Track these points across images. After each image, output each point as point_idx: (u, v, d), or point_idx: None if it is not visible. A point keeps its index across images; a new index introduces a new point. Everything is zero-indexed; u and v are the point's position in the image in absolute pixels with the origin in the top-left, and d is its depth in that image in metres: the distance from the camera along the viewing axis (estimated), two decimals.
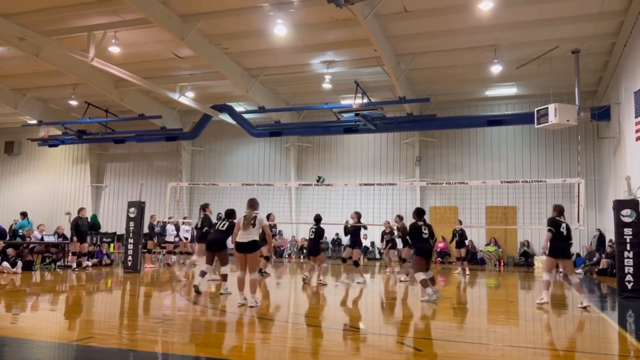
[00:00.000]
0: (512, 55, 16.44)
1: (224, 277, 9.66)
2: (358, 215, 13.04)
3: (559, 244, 9.08)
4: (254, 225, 8.07)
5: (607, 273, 15.49)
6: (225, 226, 9.59)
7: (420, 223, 9.56)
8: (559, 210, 9.42)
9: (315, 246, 11.88)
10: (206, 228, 11.76)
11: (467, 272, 15.65)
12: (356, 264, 12.81)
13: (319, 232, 11.89)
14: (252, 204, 8.34)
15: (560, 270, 17.19)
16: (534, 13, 13.83)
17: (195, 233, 15.42)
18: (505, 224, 20.19)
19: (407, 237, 10.87)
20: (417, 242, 9.51)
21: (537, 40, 15.29)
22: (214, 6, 14.08)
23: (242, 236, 8.06)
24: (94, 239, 20.30)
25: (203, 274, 9.73)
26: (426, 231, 9.48)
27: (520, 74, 17.63)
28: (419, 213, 9.74)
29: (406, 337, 6.56)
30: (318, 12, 14.04)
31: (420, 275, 9.31)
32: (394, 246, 16.00)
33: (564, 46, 15.43)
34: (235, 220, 9.31)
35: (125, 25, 14.90)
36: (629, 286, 10.32)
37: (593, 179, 19.55)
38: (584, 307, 8.75)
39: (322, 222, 12.06)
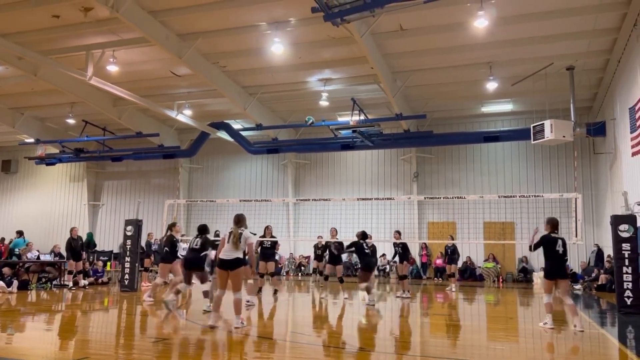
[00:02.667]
0: (507, 72, 16.58)
1: (206, 294, 9.91)
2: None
3: (368, 259, 11.41)
4: (239, 242, 7.85)
5: (606, 289, 15.44)
6: (199, 243, 9.76)
7: (362, 242, 11.54)
8: (362, 235, 11.54)
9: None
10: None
11: (454, 289, 15.44)
12: (341, 280, 13.48)
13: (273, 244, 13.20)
14: (239, 221, 8.07)
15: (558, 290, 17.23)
16: (528, 31, 13.99)
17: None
18: (503, 240, 20.15)
19: (405, 253, 13.41)
20: (363, 258, 11.57)
21: (532, 57, 15.44)
22: (212, 25, 14.22)
23: (226, 253, 7.83)
24: (91, 257, 20.20)
25: (177, 292, 9.95)
26: (367, 248, 11.62)
27: (515, 91, 17.75)
28: (363, 235, 11.78)
29: (405, 355, 6.51)
30: (315, 31, 14.18)
31: (364, 284, 11.17)
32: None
33: (559, 63, 15.57)
34: (208, 236, 9.93)
35: (124, 44, 15.00)
36: (629, 302, 10.30)
37: (590, 194, 19.59)
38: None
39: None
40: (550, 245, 8.37)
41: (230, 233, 7.92)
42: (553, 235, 8.48)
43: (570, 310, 8.36)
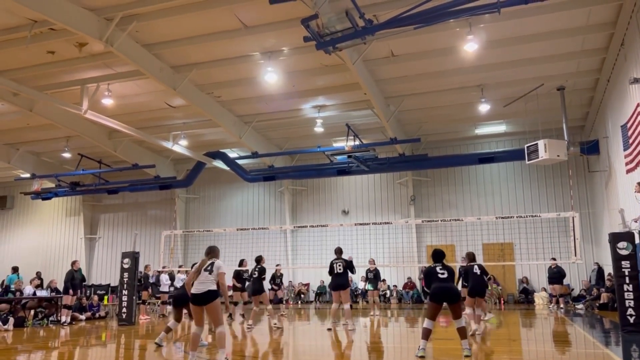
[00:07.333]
0: (499, 94, 16.76)
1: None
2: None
3: (254, 284, 12.65)
4: (210, 271, 7.23)
5: (608, 307, 15.33)
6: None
7: (255, 269, 12.93)
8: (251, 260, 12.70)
9: (260, 285, 12.80)
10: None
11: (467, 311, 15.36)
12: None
13: (261, 271, 13.06)
14: (211, 251, 7.57)
15: (562, 306, 17.12)
16: (517, 53, 14.20)
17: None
18: (502, 261, 20.07)
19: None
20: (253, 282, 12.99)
21: (523, 78, 15.64)
22: (205, 56, 14.39)
23: (197, 286, 7.18)
24: (88, 291, 19.99)
25: (168, 330, 9.75)
26: (256, 274, 12.84)
27: (508, 112, 17.92)
28: (257, 260, 13.20)
29: None
30: (308, 59, 14.36)
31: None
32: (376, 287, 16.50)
33: (549, 83, 15.76)
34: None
35: (118, 77, 15.15)
36: (631, 320, 10.18)
37: (587, 212, 19.59)
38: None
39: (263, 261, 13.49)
40: (469, 271, 10.92)
41: (199, 264, 7.47)
42: (470, 264, 10.98)
43: (475, 318, 10.66)
